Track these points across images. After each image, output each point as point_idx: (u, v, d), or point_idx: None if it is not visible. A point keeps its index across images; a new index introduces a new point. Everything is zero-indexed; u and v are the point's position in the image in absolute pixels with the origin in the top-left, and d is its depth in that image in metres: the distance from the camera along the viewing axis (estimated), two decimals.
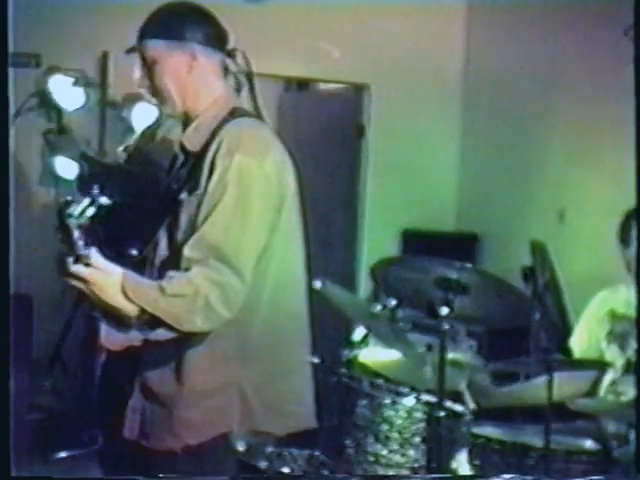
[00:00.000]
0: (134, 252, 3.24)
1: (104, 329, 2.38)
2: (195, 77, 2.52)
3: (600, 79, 5.43)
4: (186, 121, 2.55)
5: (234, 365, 2.44)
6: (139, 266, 2.44)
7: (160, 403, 2.45)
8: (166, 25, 2.51)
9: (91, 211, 2.29)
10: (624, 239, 3.69)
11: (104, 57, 5.62)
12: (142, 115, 5.32)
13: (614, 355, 3.75)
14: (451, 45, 6.61)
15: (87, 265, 2.28)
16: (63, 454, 4.65)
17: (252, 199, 2.38)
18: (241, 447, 2.93)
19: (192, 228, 2.38)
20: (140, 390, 2.49)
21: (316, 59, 6.23)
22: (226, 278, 2.32)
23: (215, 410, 2.43)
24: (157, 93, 2.54)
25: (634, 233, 3.63)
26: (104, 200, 2.29)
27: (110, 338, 2.39)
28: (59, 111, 4.35)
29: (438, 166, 6.68)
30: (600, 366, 3.73)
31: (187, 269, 2.33)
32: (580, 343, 3.91)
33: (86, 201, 2.30)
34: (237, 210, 2.36)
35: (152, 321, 2.33)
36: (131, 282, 2.32)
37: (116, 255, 3.22)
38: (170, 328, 2.33)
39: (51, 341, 5.20)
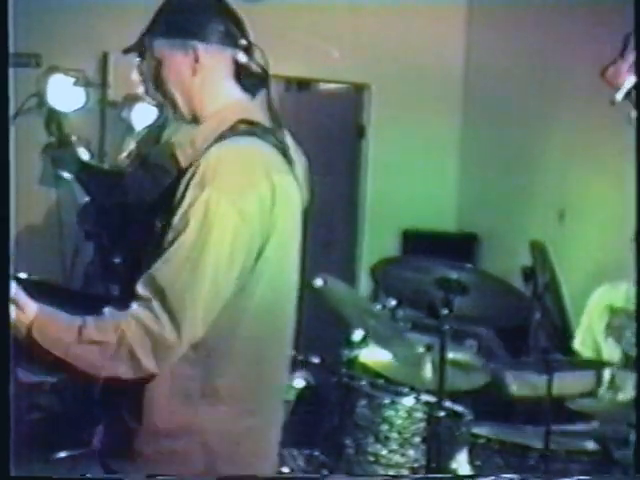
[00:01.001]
0: (117, 260, 3.19)
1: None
2: (200, 80, 2.25)
3: (600, 79, 5.42)
4: (194, 122, 2.29)
5: (197, 408, 2.17)
6: (125, 275, 2.24)
7: (124, 427, 2.24)
8: (168, 22, 2.26)
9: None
10: None
11: (104, 57, 5.62)
12: (142, 115, 5.32)
13: (611, 348, 3.76)
14: (451, 45, 6.61)
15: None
16: (63, 454, 4.64)
17: (214, 243, 2.06)
18: None
19: (154, 259, 2.10)
20: (106, 406, 2.31)
21: (316, 59, 6.23)
22: (161, 329, 2.05)
23: (174, 453, 2.19)
24: (163, 96, 2.31)
25: None
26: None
27: (23, 374, 2.25)
28: (59, 124, 4.33)
29: (438, 166, 6.68)
30: (600, 366, 3.74)
31: (129, 306, 2.07)
32: (581, 337, 3.92)
33: None
34: (193, 255, 2.05)
35: (61, 365, 2.09)
36: (43, 322, 2.07)
37: (104, 261, 3.16)
38: (81, 374, 2.11)
39: None
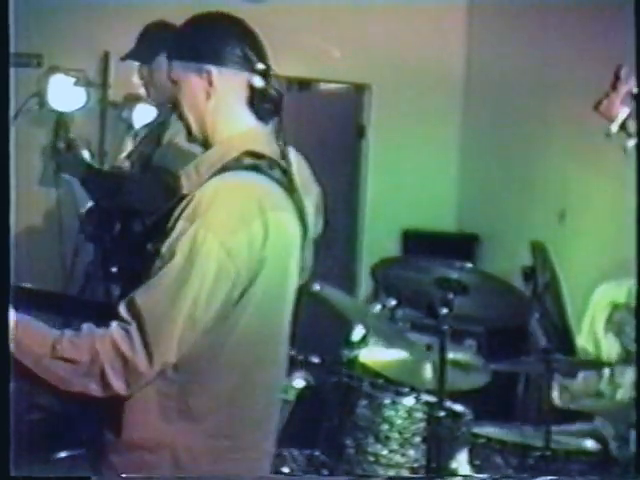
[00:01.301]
0: (114, 270, 3.19)
1: None
2: (214, 105, 2.23)
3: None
4: (206, 145, 2.27)
5: (172, 425, 2.18)
6: (121, 283, 2.29)
7: (101, 437, 2.28)
8: (184, 44, 2.25)
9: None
10: None
11: (105, 57, 5.63)
12: (143, 115, 5.32)
13: (610, 343, 3.77)
14: (451, 45, 6.61)
15: None
16: (63, 454, 4.64)
17: (195, 278, 2.06)
18: None
19: (139, 282, 2.11)
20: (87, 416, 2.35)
21: (316, 59, 6.24)
22: (134, 355, 2.05)
23: (145, 465, 2.20)
24: (179, 117, 2.29)
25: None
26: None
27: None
28: (67, 128, 4.33)
29: (438, 166, 6.68)
30: (600, 365, 3.74)
31: (108, 325, 2.09)
32: (583, 332, 3.93)
33: None
34: (173, 285, 2.06)
35: (32, 376, 2.11)
36: (18, 332, 2.08)
37: (102, 270, 3.14)
38: (48, 386, 2.12)
39: None
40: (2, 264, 2.14)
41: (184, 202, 2.12)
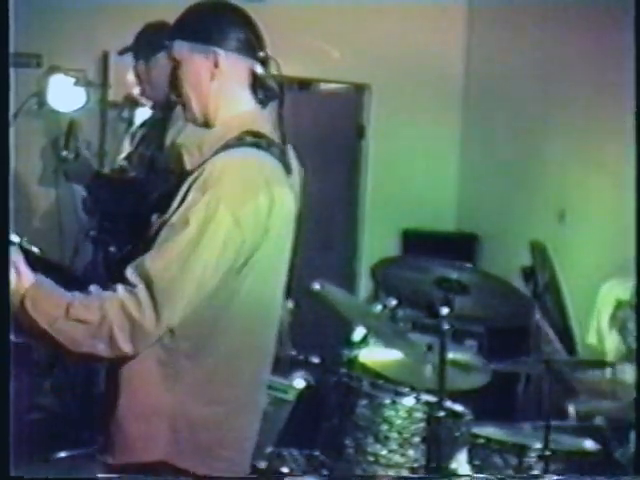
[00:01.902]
0: (112, 249, 3.23)
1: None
2: (217, 86, 2.31)
3: (600, 79, 5.43)
4: (205, 125, 2.36)
5: (169, 395, 2.26)
6: (120, 265, 2.29)
7: (102, 411, 2.34)
8: (192, 26, 2.33)
9: None
10: None
11: (104, 57, 5.62)
12: (143, 115, 5.32)
13: (614, 339, 3.78)
14: (451, 45, 6.61)
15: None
16: (63, 454, 4.64)
17: (207, 244, 2.17)
18: None
19: (146, 249, 2.20)
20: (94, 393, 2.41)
21: (316, 59, 6.23)
22: (142, 315, 2.14)
23: (141, 436, 2.27)
24: (178, 97, 2.36)
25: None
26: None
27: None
28: (76, 136, 4.32)
29: (438, 166, 6.68)
30: (600, 365, 3.74)
31: (114, 288, 2.17)
32: (591, 330, 3.94)
33: None
34: (185, 251, 2.16)
35: (44, 337, 2.17)
36: (36, 293, 2.16)
37: (102, 246, 3.20)
38: (65, 348, 2.17)
39: None
40: (2, 264, 2.14)
41: (194, 174, 2.22)
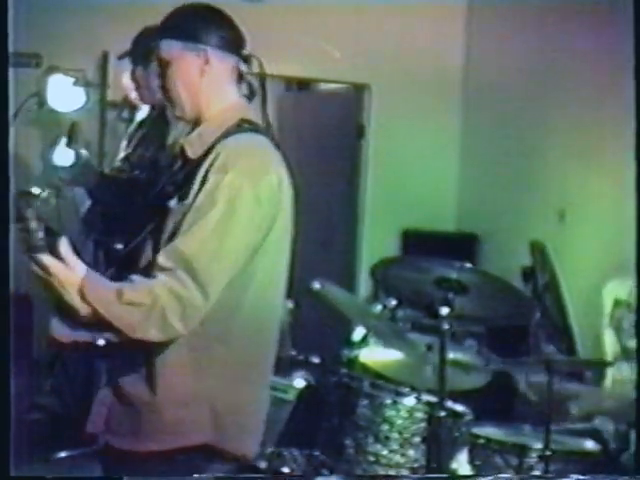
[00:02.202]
0: (119, 246, 3.26)
1: (54, 323, 2.32)
2: (207, 82, 2.44)
3: (600, 79, 5.43)
4: (195, 125, 2.49)
5: (205, 380, 2.38)
6: (125, 262, 2.42)
7: (128, 403, 2.40)
8: (181, 26, 2.45)
9: (53, 202, 2.27)
10: None
11: (104, 57, 5.62)
12: (141, 116, 5.32)
13: (611, 338, 3.78)
14: (451, 45, 6.61)
15: (55, 256, 2.24)
16: (63, 454, 4.64)
17: (236, 221, 2.31)
18: None
19: (174, 235, 2.32)
20: (109, 385, 2.45)
21: (316, 59, 6.23)
22: (189, 293, 2.26)
23: (183, 421, 2.37)
24: (169, 95, 2.48)
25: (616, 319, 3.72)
26: (67, 192, 2.23)
27: (59, 330, 2.33)
28: (77, 139, 4.30)
29: (438, 166, 6.68)
30: (600, 365, 3.75)
31: (154, 276, 2.28)
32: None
33: (45, 193, 2.31)
34: (218, 229, 2.29)
35: (102, 324, 2.26)
36: (91, 283, 2.26)
37: (104, 246, 3.26)
38: (120, 333, 2.26)
39: None
40: (2, 264, 2.14)
41: (209, 159, 2.35)
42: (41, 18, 5.03)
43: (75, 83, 5.26)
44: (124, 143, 4.22)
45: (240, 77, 2.50)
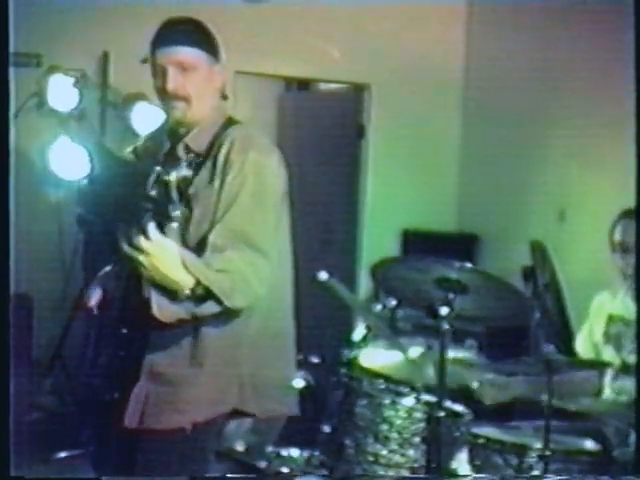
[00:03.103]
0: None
1: (155, 301, 2.47)
2: (215, 91, 2.73)
3: (600, 79, 5.43)
4: (188, 127, 2.71)
5: (238, 349, 2.62)
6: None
7: (167, 384, 2.58)
8: (206, 40, 2.69)
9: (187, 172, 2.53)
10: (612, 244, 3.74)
11: (104, 57, 5.62)
12: (142, 115, 5.32)
13: (611, 355, 3.76)
14: (451, 45, 6.61)
15: (147, 238, 2.40)
16: (63, 454, 4.65)
17: (267, 191, 2.60)
18: (240, 447, 2.95)
19: (211, 218, 2.55)
20: (146, 376, 2.60)
21: (316, 59, 6.23)
22: (254, 258, 2.51)
23: (218, 389, 2.59)
24: (184, 98, 2.67)
25: (616, 240, 3.69)
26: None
27: (163, 310, 2.48)
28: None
29: (438, 166, 6.68)
30: (600, 366, 3.74)
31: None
32: (582, 345, 3.92)
33: (184, 164, 2.56)
34: (256, 200, 2.56)
35: (203, 295, 2.47)
36: (185, 255, 2.47)
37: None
38: (218, 302, 2.48)
39: (51, 341, 5.20)
40: (2, 264, 2.14)
41: (225, 146, 2.60)
42: (41, 18, 5.03)
43: (75, 83, 5.26)
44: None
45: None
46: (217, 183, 2.58)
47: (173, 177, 2.48)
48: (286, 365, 2.83)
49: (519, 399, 3.76)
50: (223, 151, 2.61)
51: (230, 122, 2.74)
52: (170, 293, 2.48)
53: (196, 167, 2.64)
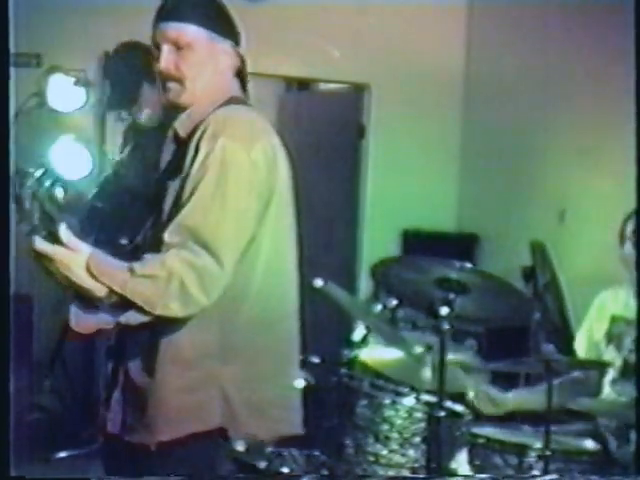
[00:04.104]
0: (124, 241, 3.26)
1: (73, 312, 2.30)
2: (220, 73, 2.48)
3: (600, 79, 5.43)
4: (184, 110, 2.49)
5: (215, 360, 2.35)
6: (132, 255, 2.36)
7: (138, 395, 2.37)
8: (211, 16, 2.45)
9: (48, 183, 2.27)
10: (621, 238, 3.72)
11: (104, 57, 5.62)
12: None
13: (612, 356, 3.76)
14: (451, 45, 6.61)
15: (55, 242, 2.22)
16: (63, 454, 4.65)
17: (234, 183, 2.30)
18: (240, 447, 2.93)
19: (175, 212, 2.31)
20: (123, 381, 2.42)
21: (316, 59, 6.23)
22: (203, 261, 2.24)
23: (192, 407, 2.34)
24: (177, 78, 2.44)
25: (629, 229, 3.66)
26: (70, 176, 2.24)
27: (80, 321, 2.31)
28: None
29: (438, 166, 6.68)
30: (600, 366, 3.74)
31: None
32: (582, 344, 3.92)
33: (40, 171, 2.30)
34: (217, 193, 2.28)
35: (122, 303, 2.24)
36: (98, 261, 2.24)
37: (110, 245, 3.26)
38: (141, 311, 2.23)
39: (51, 341, 5.20)
40: (2, 264, 2.14)
41: (200, 130, 2.33)
42: (41, 18, 5.03)
43: (75, 83, 5.26)
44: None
45: (240, 70, 2.53)
46: (184, 174, 2.32)
47: (26, 193, 2.22)
48: (287, 379, 2.53)
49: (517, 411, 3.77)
50: (196, 136, 2.35)
51: (228, 102, 2.46)
52: (85, 301, 2.27)
53: (177, 155, 2.41)
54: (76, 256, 2.23)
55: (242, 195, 2.30)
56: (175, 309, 2.24)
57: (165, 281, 2.22)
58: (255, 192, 2.32)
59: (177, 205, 2.31)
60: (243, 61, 2.52)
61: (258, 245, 2.35)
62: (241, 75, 2.54)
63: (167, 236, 2.27)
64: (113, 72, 4.98)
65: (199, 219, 2.26)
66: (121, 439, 2.41)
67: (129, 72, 4.60)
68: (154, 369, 2.33)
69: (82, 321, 2.30)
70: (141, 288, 2.22)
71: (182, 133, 2.43)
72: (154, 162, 2.56)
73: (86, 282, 2.23)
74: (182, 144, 2.41)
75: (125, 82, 4.59)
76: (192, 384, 2.33)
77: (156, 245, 2.30)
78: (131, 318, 2.26)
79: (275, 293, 2.43)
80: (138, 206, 2.54)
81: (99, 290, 2.23)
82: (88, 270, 2.23)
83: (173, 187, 2.35)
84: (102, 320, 2.29)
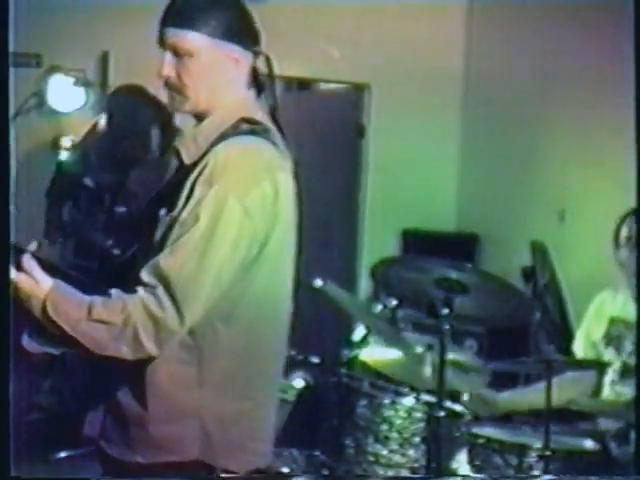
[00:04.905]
0: (116, 252, 3.25)
1: (25, 334, 2.27)
2: (227, 80, 2.34)
3: (600, 79, 5.43)
4: (199, 118, 2.37)
5: (196, 394, 2.27)
6: (123, 266, 2.34)
7: (120, 413, 2.33)
8: (214, 21, 2.31)
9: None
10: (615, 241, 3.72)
11: (104, 57, 5.62)
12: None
13: (611, 357, 3.76)
14: (451, 45, 6.61)
15: (18, 269, 2.16)
16: (63, 454, 4.64)
17: (221, 237, 2.19)
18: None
19: (161, 246, 2.22)
20: (103, 394, 2.39)
21: (316, 59, 6.23)
22: (165, 314, 2.16)
23: (171, 437, 2.28)
24: (178, 87, 2.33)
25: (623, 235, 3.66)
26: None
27: (30, 342, 2.27)
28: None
29: (438, 166, 6.68)
30: (600, 366, 3.74)
31: (135, 290, 2.19)
32: (580, 345, 3.92)
33: None
34: (199, 247, 2.18)
35: (69, 341, 2.18)
36: (56, 296, 2.17)
37: (102, 251, 3.22)
38: (86, 351, 2.19)
39: None
40: (2, 264, 2.14)
41: (198, 168, 2.22)
42: (41, 18, 5.04)
43: (75, 83, 5.26)
44: None
45: (255, 75, 2.41)
46: (175, 213, 2.21)
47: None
48: (268, 411, 2.41)
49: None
50: (194, 174, 2.22)
51: (236, 128, 2.30)
52: (36, 329, 2.20)
53: (175, 185, 2.28)
54: (36, 289, 2.17)
55: (229, 249, 2.20)
56: (125, 353, 2.18)
57: (120, 327, 2.16)
58: (247, 241, 2.22)
59: (164, 239, 2.22)
60: (268, 60, 2.44)
61: (247, 285, 2.27)
62: (257, 81, 2.41)
63: (143, 274, 2.19)
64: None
65: (175, 268, 2.17)
66: (98, 446, 2.39)
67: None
68: (141, 399, 2.28)
69: (32, 344, 2.28)
70: (92, 332, 2.17)
71: (185, 158, 2.32)
72: (158, 177, 2.51)
73: (39, 316, 2.18)
74: (183, 170, 2.30)
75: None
76: (171, 416, 2.28)
77: (139, 265, 2.23)
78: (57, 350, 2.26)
79: (262, 331, 2.34)
80: (136, 220, 2.50)
81: (50, 327, 2.18)
82: (43, 306, 2.16)
83: (164, 220, 2.26)
84: (51, 346, 2.28)
